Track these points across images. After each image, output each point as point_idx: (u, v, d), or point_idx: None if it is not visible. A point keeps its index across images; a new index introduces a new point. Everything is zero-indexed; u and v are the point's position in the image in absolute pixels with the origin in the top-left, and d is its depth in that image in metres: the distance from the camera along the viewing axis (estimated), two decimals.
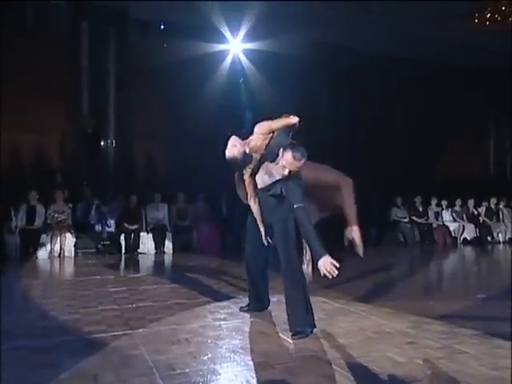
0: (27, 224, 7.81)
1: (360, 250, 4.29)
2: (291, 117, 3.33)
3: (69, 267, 6.96)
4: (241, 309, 3.91)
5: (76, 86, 9.17)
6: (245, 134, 3.47)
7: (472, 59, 10.64)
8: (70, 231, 7.86)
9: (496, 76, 11.69)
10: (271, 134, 3.35)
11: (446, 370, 2.56)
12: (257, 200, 3.56)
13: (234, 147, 3.38)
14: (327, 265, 2.92)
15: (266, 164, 3.36)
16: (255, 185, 3.49)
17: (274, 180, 3.31)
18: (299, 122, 3.34)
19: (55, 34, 9.19)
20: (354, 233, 4.26)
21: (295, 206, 3.13)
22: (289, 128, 3.34)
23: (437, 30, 8.84)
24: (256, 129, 3.37)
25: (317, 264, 3.02)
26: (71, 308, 4.01)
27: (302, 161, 3.14)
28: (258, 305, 3.83)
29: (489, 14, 8.06)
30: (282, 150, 3.17)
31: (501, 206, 10.86)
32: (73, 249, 7.84)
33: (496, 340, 3.07)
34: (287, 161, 3.12)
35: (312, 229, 3.10)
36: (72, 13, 9.06)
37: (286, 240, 3.31)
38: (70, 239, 7.81)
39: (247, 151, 3.35)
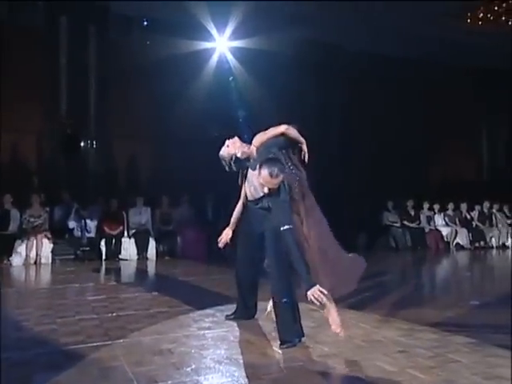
0: (1, 229, 7.56)
1: (336, 328, 3.14)
2: (281, 126, 3.30)
3: (45, 275, 6.75)
4: (226, 317, 3.81)
5: (54, 84, 8.93)
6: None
7: (465, 59, 10.69)
8: (46, 236, 7.62)
9: (489, 76, 11.77)
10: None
11: (437, 380, 2.49)
12: (240, 204, 3.59)
13: (225, 147, 3.38)
14: (315, 293, 2.88)
15: (251, 174, 3.31)
16: (245, 191, 3.48)
17: (259, 195, 3.27)
18: (295, 128, 3.30)
19: (32, 31, 8.91)
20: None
21: (282, 228, 3.01)
22: (279, 137, 3.29)
23: (429, 30, 8.84)
24: (253, 141, 3.37)
25: (305, 292, 2.93)
26: (47, 318, 3.86)
27: (280, 177, 3.02)
28: (246, 313, 3.73)
29: (481, 14, 8.05)
30: (258, 166, 3.08)
31: (494, 210, 10.85)
32: (50, 255, 7.60)
33: (489, 348, 3.03)
34: (264, 179, 3.02)
35: (300, 255, 3.00)
36: (50, 8, 8.75)
37: (276, 249, 3.22)
38: (46, 245, 7.57)
39: (239, 155, 3.30)
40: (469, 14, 8.15)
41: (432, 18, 8.42)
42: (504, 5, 7.88)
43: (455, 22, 8.45)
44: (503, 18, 8.03)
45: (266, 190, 3.07)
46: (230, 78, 9.46)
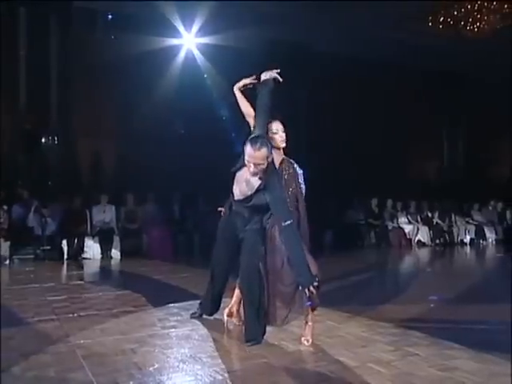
0: None
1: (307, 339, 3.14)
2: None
3: (3, 275, 6.39)
4: (192, 315, 3.77)
5: (13, 78, 8.55)
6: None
7: (426, 61, 10.93)
8: (3, 235, 7.32)
9: (450, 78, 12.16)
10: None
11: (396, 373, 2.59)
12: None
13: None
14: (311, 287, 2.90)
15: (239, 174, 3.18)
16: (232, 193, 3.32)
17: (253, 190, 3.10)
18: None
19: None
20: None
21: (284, 223, 2.95)
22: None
23: (393, 32, 8.98)
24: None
25: (302, 286, 2.94)
26: (4, 320, 3.68)
27: (263, 150, 2.95)
28: (211, 308, 3.71)
29: (442, 18, 8.30)
30: (243, 144, 3.02)
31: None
32: (8, 255, 7.29)
33: (446, 342, 3.15)
34: (249, 154, 2.95)
35: (303, 251, 2.95)
36: None
37: (252, 250, 3.18)
38: (3, 244, 7.27)
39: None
40: (430, 18, 8.38)
41: (397, 19, 8.56)
42: (462, 10, 8.16)
43: (418, 24, 8.64)
44: (462, 23, 8.31)
45: (252, 168, 2.97)
46: (205, 75, 9.36)
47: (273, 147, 3.20)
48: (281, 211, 3.02)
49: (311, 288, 2.89)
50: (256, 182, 3.08)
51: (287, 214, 3.01)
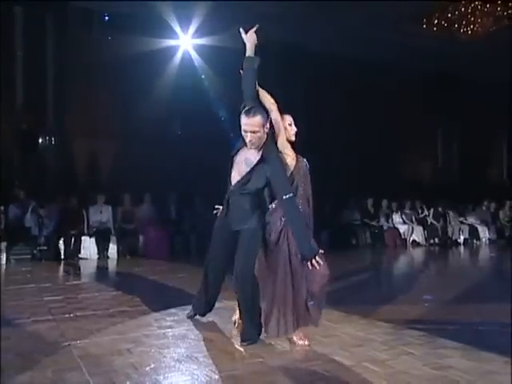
0: None
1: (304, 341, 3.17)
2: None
3: None
4: (188, 315, 3.78)
5: (10, 78, 8.51)
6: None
7: (422, 62, 10.98)
8: (0, 236, 7.29)
9: (445, 79, 12.22)
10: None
11: (391, 372, 2.61)
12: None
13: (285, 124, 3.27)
14: (317, 259, 2.94)
15: (239, 156, 3.15)
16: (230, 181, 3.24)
17: (252, 165, 3.04)
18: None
19: None
20: None
21: (285, 196, 2.94)
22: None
23: (390, 33, 9.00)
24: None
25: (306, 258, 2.96)
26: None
27: (258, 116, 2.94)
28: (205, 307, 3.68)
29: (436, 20, 8.34)
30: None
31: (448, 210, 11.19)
32: (4, 255, 7.27)
33: (440, 341, 3.19)
34: (244, 123, 2.95)
35: (304, 224, 2.98)
36: None
37: (248, 249, 3.14)
38: (0, 244, 7.23)
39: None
40: (424, 20, 8.41)
41: (394, 20, 8.57)
42: (456, 12, 8.20)
43: (415, 26, 8.66)
44: (456, 26, 8.35)
45: (248, 137, 2.95)
46: (202, 76, 9.35)
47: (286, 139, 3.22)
48: (281, 184, 3.00)
49: (314, 261, 2.89)
50: (255, 158, 3.05)
51: (288, 187, 3.00)
